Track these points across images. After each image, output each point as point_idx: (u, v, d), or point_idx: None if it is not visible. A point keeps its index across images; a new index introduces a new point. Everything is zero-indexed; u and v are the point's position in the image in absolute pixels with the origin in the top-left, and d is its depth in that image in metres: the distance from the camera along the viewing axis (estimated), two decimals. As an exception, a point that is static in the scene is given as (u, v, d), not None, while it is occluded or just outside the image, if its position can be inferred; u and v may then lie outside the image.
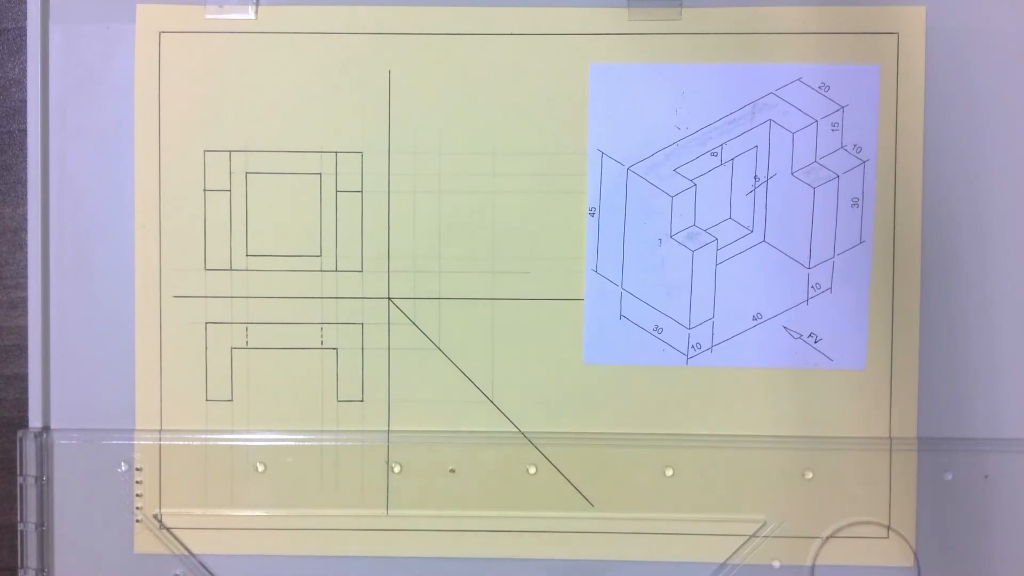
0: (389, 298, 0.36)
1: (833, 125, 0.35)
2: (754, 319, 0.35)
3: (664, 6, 0.35)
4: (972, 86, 0.35)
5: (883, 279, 0.35)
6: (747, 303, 0.35)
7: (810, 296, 0.35)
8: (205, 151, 0.36)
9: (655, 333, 0.35)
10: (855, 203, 0.35)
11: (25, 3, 0.35)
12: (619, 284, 0.35)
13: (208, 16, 0.35)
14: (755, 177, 0.35)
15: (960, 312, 0.35)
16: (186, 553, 0.36)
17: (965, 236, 0.35)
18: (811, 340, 0.35)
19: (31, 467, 0.35)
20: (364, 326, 0.36)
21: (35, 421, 0.36)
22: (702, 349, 0.35)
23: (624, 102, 0.35)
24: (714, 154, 0.35)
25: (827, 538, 0.35)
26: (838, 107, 0.35)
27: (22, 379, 0.36)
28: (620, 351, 0.35)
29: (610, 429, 0.35)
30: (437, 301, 0.36)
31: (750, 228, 0.35)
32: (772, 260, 0.35)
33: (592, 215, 0.35)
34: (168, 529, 0.36)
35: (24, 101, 0.36)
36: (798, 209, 0.35)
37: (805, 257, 0.35)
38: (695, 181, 0.35)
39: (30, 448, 0.35)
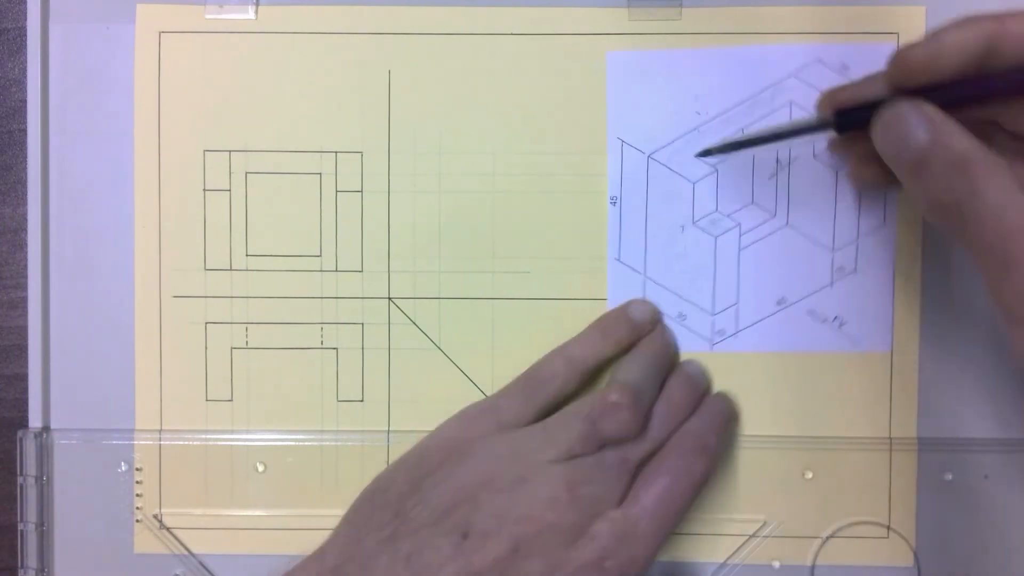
0: (389, 298, 0.36)
1: None
2: (778, 304, 0.35)
3: (664, 6, 0.35)
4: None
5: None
6: (771, 288, 0.35)
7: (834, 279, 0.35)
8: (205, 151, 0.36)
9: (679, 320, 0.35)
10: None
11: (25, 3, 0.35)
12: (642, 272, 0.35)
13: (208, 16, 0.35)
14: (777, 161, 0.35)
15: (960, 312, 0.35)
16: (186, 553, 0.36)
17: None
18: (836, 324, 0.35)
19: (31, 467, 0.35)
20: (364, 326, 0.36)
21: (35, 421, 0.36)
22: (726, 335, 0.35)
23: (643, 89, 0.35)
24: None
25: (827, 538, 0.35)
26: None
27: (22, 379, 0.36)
28: None
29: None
30: (437, 301, 0.36)
31: (773, 212, 0.35)
32: (795, 244, 0.35)
33: (614, 204, 0.35)
34: (168, 529, 0.36)
35: (24, 101, 0.36)
36: (821, 192, 0.35)
37: (829, 240, 0.35)
38: (716, 167, 0.35)
39: (30, 448, 0.35)
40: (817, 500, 0.35)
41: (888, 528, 0.35)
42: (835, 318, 0.35)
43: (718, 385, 0.35)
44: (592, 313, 0.35)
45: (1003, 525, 0.35)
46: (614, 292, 0.35)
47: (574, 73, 0.35)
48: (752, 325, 0.35)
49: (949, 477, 0.35)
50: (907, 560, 0.35)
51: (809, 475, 0.35)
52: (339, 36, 0.35)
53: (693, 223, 0.35)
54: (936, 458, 0.35)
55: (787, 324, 0.35)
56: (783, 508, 0.35)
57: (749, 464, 0.35)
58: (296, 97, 0.35)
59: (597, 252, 0.35)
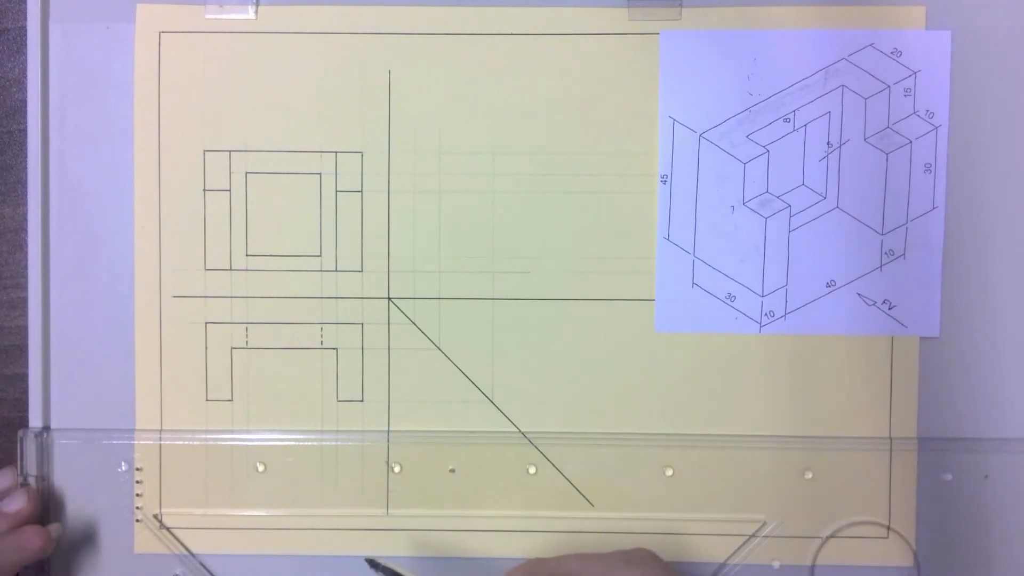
0: (389, 298, 0.36)
1: (906, 91, 0.35)
2: (827, 286, 0.35)
3: (664, 6, 0.35)
4: (972, 84, 0.35)
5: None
6: (820, 270, 0.35)
7: (884, 263, 0.35)
8: (205, 151, 0.36)
9: (728, 301, 0.35)
10: (927, 169, 0.35)
11: (25, 3, 0.35)
12: (691, 252, 0.35)
13: (208, 16, 0.35)
14: (828, 143, 0.35)
15: (961, 312, 0.35)
16: (186, 553, 0.36)
17: (969, 234, 0.35)
18: (885, 307, 0.35)
19: (31, 467, 0.35)
20: (364, 326, 0.36)
21: (35, 421, 0.36)
22: (775, 317, 0.35)
23: (696, 69, 0.35)
24: (787, 120, 0.35)
25: (827, 538, 0.35)
26: (910, 72, 0.35)
27: (22, 379, 0.36)
28: (692, 319, 0.35)
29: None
30: (437, 301, 0.36)
31: (823, 194, 0.35)
32: (845, 226, 0.35)
33: (664, 182, 0.35)
34: (168, 529, 0.36)
35: (24, 101, 0.36)
36: (871, 175, 0.35)
37: (878, 223, 0.35)
38: (768, 147, 0.35)
39: (30, 448, 0.35)
40: (817, 500, 0.35)
41: (888, 528, 0.35)
42: (884, 301, 0.35)
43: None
44: (596, 313, 0.35)
45: (1003, 525, 0.35)
46: (663, 271, 0.35)
47: (574, 73, 0.35)
48: (801, 307, 0.35)
49: (949, 477, 0.35)
50: (907, 560, 0.35)
51: (809, 475, 0.35)
52: (339, 36, 0.35)
53: (743, 203, 0.35)
54: (936, 458, 0.35)
55: (836, 307, 0.35)
56: (783, 508, 0.35)
57: (749, 464, 0.35)
58: (296, 97, 0.35)
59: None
